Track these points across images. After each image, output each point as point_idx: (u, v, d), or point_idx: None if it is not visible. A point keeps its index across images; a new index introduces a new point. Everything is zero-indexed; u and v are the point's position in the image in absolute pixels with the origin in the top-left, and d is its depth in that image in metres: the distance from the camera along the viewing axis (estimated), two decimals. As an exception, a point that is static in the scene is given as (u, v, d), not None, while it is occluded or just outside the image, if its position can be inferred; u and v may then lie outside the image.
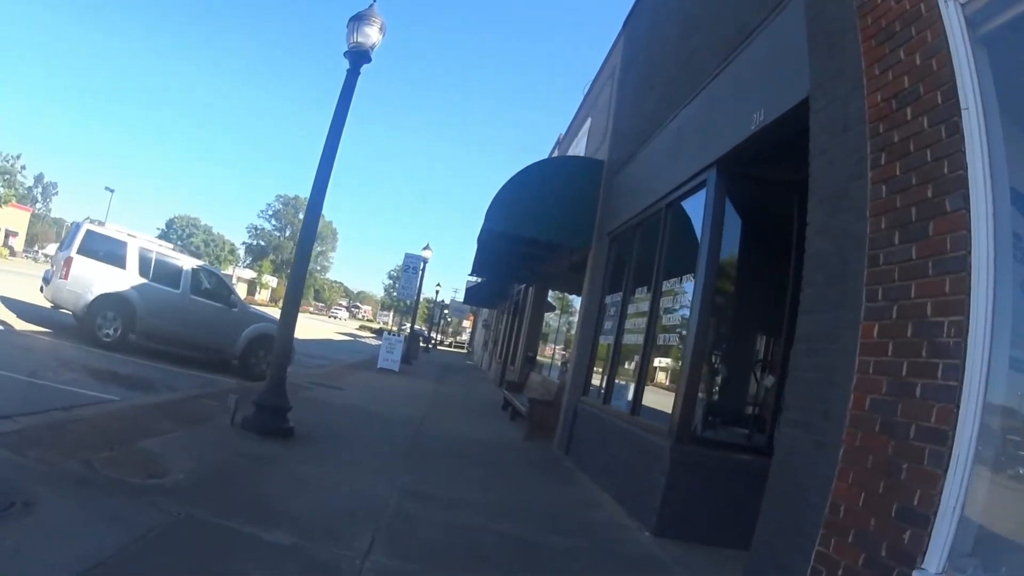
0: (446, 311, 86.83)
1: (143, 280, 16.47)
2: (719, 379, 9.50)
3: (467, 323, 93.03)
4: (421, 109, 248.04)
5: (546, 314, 24.11)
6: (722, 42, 9.29)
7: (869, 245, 5.00)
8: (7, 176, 67.33)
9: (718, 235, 8.52)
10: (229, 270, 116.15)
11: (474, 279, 39.80)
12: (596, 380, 13.14)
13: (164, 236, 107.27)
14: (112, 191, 76.31)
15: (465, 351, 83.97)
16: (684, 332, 8.89)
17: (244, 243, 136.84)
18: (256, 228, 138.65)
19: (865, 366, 4.80)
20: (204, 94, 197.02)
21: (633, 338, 11.06)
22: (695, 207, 9.31)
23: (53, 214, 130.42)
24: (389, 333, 29.20)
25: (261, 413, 9.64)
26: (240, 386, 13.88)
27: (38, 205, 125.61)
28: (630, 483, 9.22)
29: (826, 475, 4.95)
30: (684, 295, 9.30)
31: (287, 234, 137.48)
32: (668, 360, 10.20)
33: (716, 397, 9.45)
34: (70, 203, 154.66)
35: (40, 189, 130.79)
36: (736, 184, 8.67)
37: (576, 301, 19.49)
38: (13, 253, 72.61)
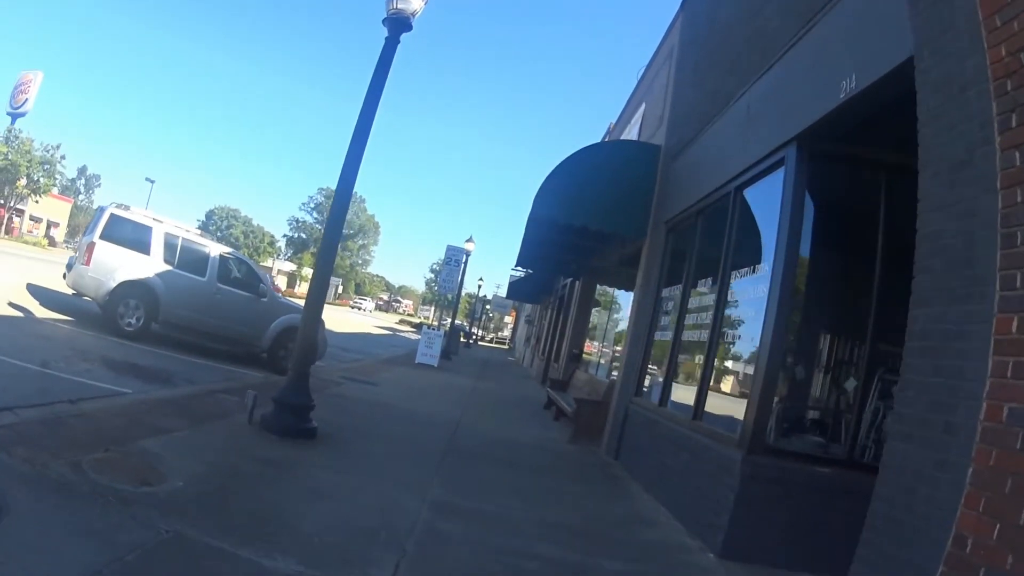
0: (488, 306, 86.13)
1: (168, 267, 15.85)
2: (795, 381, 8.60)
3: (509, 319, 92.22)
4: (465, 99, 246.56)
5: (593, 310, 23.19)
6: (800, 6, 8.40)
7: (1002, 222, 4.21)
8: (47, 166, 67.49)
9: (798, 220, 7.63)
10: (268, 262, 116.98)
11: (519, 272, 39.09)
12: (650, 380, 12.35)
13: (204, 227, 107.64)
14: (152, 182, 76.66)
15: (507, 347, 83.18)
16: (756, 329, 7.96)
17: (285, 235, 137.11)
18: (297, 221, 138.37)
19: (1001, 368, 4.00)
20: (248, 86, 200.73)
21: (695, 335, 10.20)
22: (769, 190, 8.40)
23: (95, 205, 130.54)
24: (428, 328, 28.33)
25: (281, 411, 8.95)
26: (265, 380, 13.27)
27: (80, 197, 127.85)
28: (690, 496, 8.40)
29: (949, 501, 4.17)
30: (756, 288, 8.37)
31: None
32: (735, 360, 9.26)
33: (792, 402, 8.56)
34: (113, 194, 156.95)
35: (83, 181, 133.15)
36: (818, 163, 7.78)
37: (623, 297, 18.69)
38: (53, 243, 72.98)
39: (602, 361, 19.64)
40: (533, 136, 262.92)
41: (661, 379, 11.14)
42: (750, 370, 8.09)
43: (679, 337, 10.85)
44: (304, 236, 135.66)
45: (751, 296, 8.61)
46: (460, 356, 38.64)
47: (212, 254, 16.62)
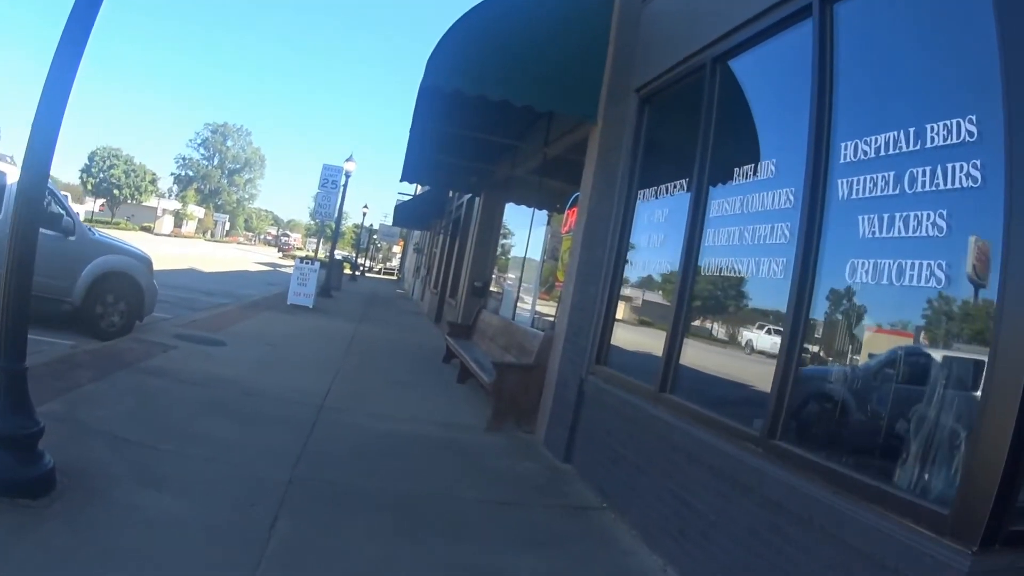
0: (375, 236, 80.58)
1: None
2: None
3: (398, 248, 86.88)
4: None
5: (501, 234, 18.00)
6: None
7: None
8: None
9: None
10: (152, 201, 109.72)
11: (406, 196, 33.86)
12: (627, 341, 7.65)
13: (87, 170, 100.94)
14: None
15: (396, 278, 78.15)
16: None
17: (172, 174, 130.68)
18: (184, 158, 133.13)
19: None
20: (123, 25, 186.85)
21: (747, 264, 5.49)
22: None
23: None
24: (302, 261, 22.94)
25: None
26: (73, 352, 8.03)
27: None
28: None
29: None
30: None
31: (215, 162, 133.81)
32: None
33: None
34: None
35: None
36: None
37: (539, 219, 13.72)
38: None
39: (522, 304, 14.30)
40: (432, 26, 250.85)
41: (661, 344, 6.34)
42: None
43: (692, 271, 6.12)
44: (191, 173, 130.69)
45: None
46: (344, 291, 33.35)
47: (7, 182, 10.73)
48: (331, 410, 8.60)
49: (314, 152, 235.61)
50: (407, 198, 33.98)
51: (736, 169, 5.81)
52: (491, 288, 16.98)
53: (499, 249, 17.47)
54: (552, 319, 11.22)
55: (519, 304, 13.31)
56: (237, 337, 13.17)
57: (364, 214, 62.23)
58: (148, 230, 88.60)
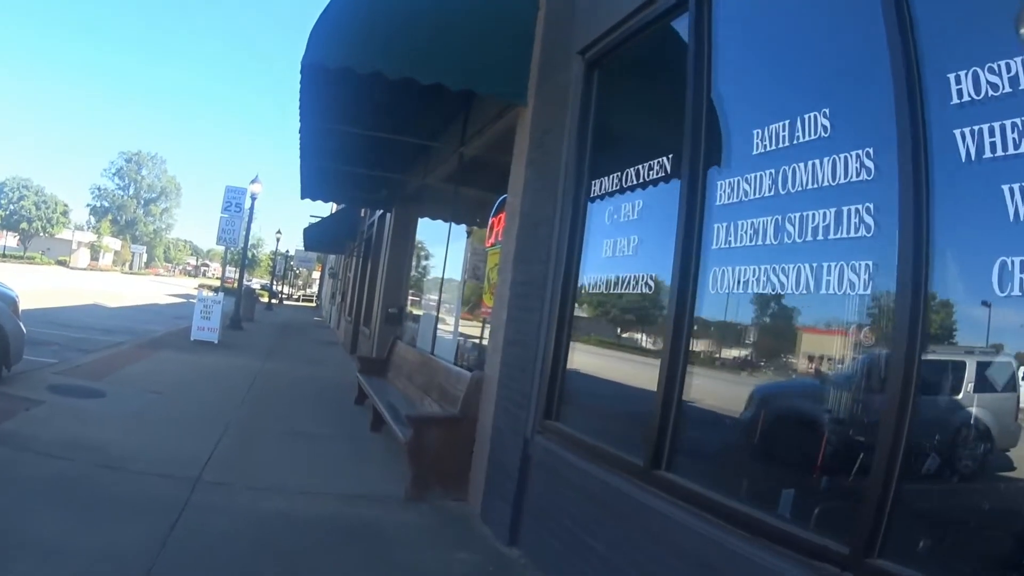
0: (292, 262, 77.50)
1: None
2: None
3: (317, 274, 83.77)
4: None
5: (417, 251, 15.42)
6: None
7: None
8: None
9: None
10: (65, 234, 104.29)
11: (317, 218, 31.41)
12: (590, 390, 5.70)
13: None
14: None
15: (314, 304, 75.06)
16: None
17: (88, 205, 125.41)
18: (100, 188, 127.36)
19: None
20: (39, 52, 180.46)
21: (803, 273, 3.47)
22: None
23: None
24: (205, 294, 20.43)
25: None
26: None
27: None
28: None
29: None
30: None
31: (131, 192, 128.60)
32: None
33: None
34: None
35: None
36: None
37: (458, 233, 11.49)
38: None
39: (443, 332, 11.83)
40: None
41: (648, 397, 4.32)
42: None
43: (692, 287, 4.18)
44: (107, 204, 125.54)
45: None
46: (257, 322, 30.30)
47: None
48: (208, 486, 6.37)
49: (232, 181, 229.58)
50: (317, 219, 31.48)
51: (757, 131, 3.81)
52: (411, 312, 14.66)
53: (414, 270, 15.13)
54: (475, 343, 9.11)
55: (439, 332, 11.05)
56: (121, 385, 10.82)
57: (278, 239, 59.11)
58: (64, 264, 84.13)
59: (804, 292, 3.39)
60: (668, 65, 4.97)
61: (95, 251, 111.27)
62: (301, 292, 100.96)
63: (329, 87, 8.09)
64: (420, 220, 14.61)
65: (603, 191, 5.44)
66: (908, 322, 2.82)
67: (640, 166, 4.94)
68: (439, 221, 12.93)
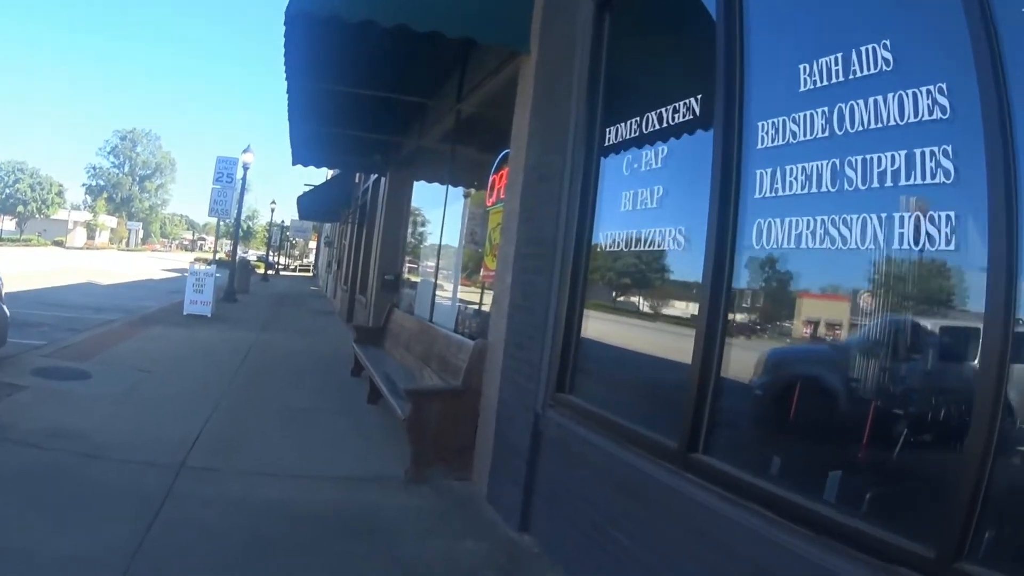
0: (287, 232, 76.73)
1: None
2: None
3: (313, 244, 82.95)
4: None
5: (416, 221, 14.48)
6: None
7: None
8: None
9: None
10: (61, 214, 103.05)
11: (310, 186, 30.74)
12: (611, 357, 5.16)
13: None
14: None
15: (311, 274, 74.35)
16: None
17: (84, 184, 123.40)
18: (95, 168, 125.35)
19: None
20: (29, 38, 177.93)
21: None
22: None
23: None
24: (197, 266, 19.86)
25: None
26: None
27: None
28: None
29: None
30: None
31: (126, 169, 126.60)
32: None
33: None
34: None
35: None
36: None
37: (454, 196, 10.82)
38: None
39: (442, 298, 10.82)
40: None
41: (679, 368, 3.80)
42: None
43: (730, 242, 3.62)
44: (102, 183, 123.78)
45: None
46: (252, 294, 29.84)
47: None
48: (194, 472, 5.87)
49: (227, 153, 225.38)
50: (312, 188, 30.81)
51: (804, 65, 3.25)
52: (408, 279, 14.04)
53: (411, 236, 14.52)
54: (476, 309, 8.54)
55: (438, 299, 10.45)
56: (109, 365, 10.27)
57: (272, 210, 58.30)
58: (61, 244, 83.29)
59: (872, 247, 2.85)
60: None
61: (91, 230, 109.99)
62: (298, 262, 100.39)
63: (316, 40, 7.48)
64: (416, 184, 13.96)
65: (620, 139, 4.87)
66: (1004, 280, 2.30)
67: (663, 110, 4.37)
68: (435, 184, 12.31)
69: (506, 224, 6.35)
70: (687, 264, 4.08)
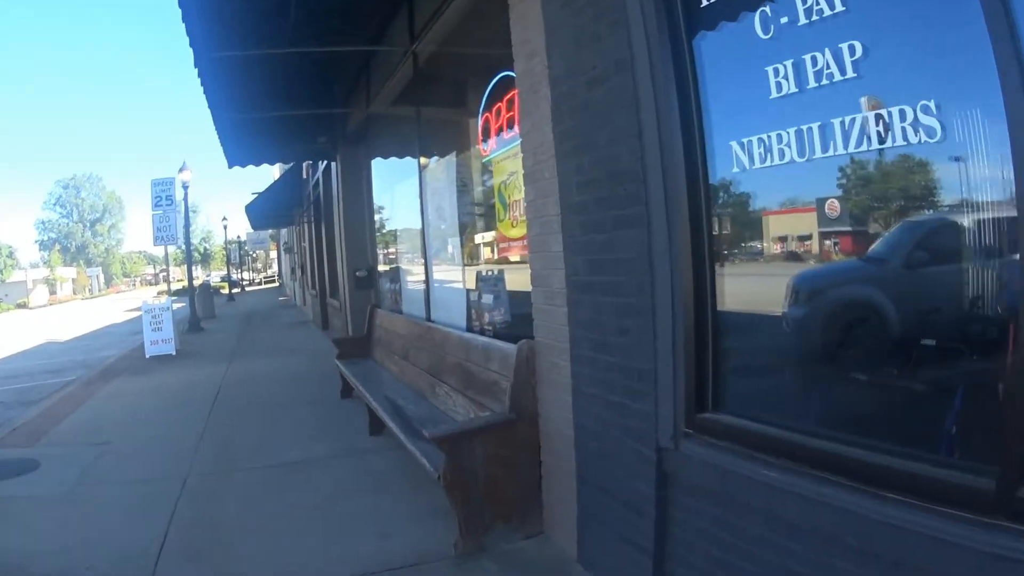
0: (245, 247, 73.91)
1: None
2: None
3: (275, 253, 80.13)
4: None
5: (386, 204, 11.60)
6: None
7: None
8: None
9: None
10: (18, 275, 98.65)
11: (256, 193, 28.40)
12: (781, 354, 3.03)
13: None
14: None
15: (277, 284, 71.73)
16: None
17: (36, 240, 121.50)
18: (43, 222, 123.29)
19: None
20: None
21: None
22: None
23: None
24: (152, 304, 17.78)
25: None
26: None
27: None
28: None
29: None
30: None
31: (74, 217, 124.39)
32: None
33: None
34: None
35: None
36: None
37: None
38: None
39: (440, 283, 8.16)
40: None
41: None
42: None
43: None
44: (54, 235, 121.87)
45: None
46: (219, 318, 27.79)
47: None
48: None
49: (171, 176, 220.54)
50: (257, 196, 28.54)
51: None
52: (386, 270, 11.68)
53: (383, 223, 12.08)
54: (496, 296, 6.35)
55: (433, 291, 8.19)
56: (61, 445, 8.33)
57: (225, 227, 55.44)
58: (24, 306, 80.00)
59: None
60: None
61: (51, 285, 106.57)
62: (262, 275, 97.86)
63: None
64: (374, 162, 11.71)
65: None
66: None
67: None
68: (401, 156, 10.14)
69: (531, 168, 4.30)
70: (945, 168, 2.12)
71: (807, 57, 2.57)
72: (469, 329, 6.49)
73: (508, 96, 5.19)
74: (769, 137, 2.77)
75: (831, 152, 2.52)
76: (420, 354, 7.03)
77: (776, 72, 2.71)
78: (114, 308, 55.76)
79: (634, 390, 3.37)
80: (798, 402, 2.94)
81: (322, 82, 9.90)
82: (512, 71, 4.55)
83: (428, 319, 7.82)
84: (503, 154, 5.54)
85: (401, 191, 9.65)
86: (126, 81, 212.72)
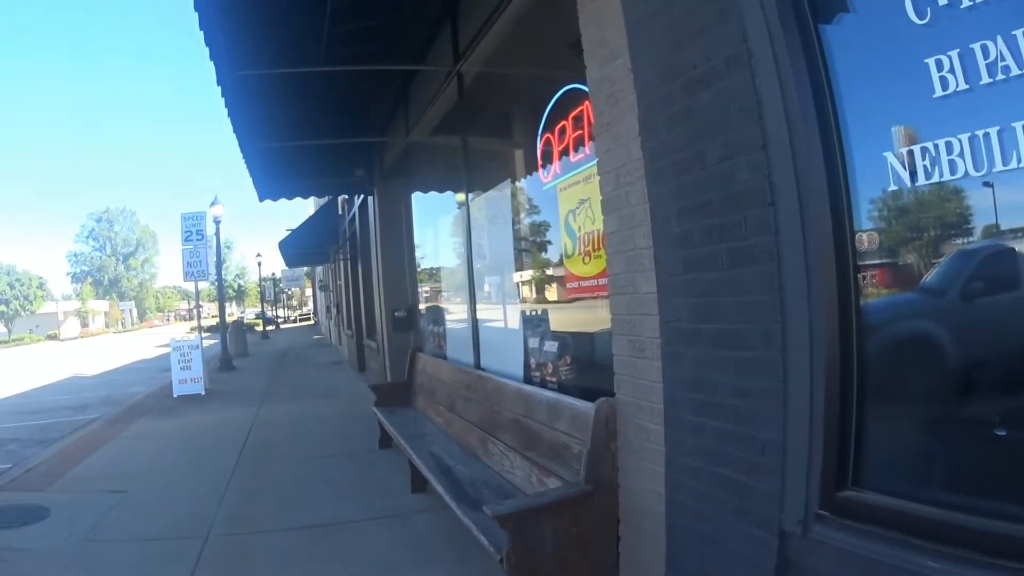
0: (280, 284, 74.00)
1: None
2: None
3: (309, 290, 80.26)
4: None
5: (428, 240, 10.82)
6: None
7: None
8: None
9: None
10: (48, 307, 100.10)
11: (291, 230, 28.15)
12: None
13: None
14: None
15: (312, 322, 71.74)
16: None
17: (69, 273, 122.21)
18: (76, 255, 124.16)
19: None
20: None
21: None
22: None
23: None
24: (180, 341, 17.45)
25: None
26: None
27: None
28: None
29: None
30: None
31: (107, 251, 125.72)
32: None
33: None
34: None
35: None
36: None
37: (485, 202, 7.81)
38: None
39: (488, 326, 7.48)
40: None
41: None
42: None
43: None
44: (86, 268, 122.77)
45: None
46: (253, 355, 27.59)
47: None
48: None
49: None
50: (291, 232, 28.28)
51: None
52: (428, 310, 10.91)
53: (426, 260, 11.10)
54: (562, 343, 5.59)
55: (483, 334, 7.46)
56: (75, 490, 7.90)
57: (260, 263, 55.37)
58: (55, 337, 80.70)
59: None
60: None
61: (83, 317, 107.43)
62: (297, 312, 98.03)
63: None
64: (414, 196, 11.11)
65: None
66: None
67: None
68: (443, 189, 9.57)
69: (612, 194, 3.67)
70: None
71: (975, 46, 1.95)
72: (528, 380, 5.81)
73: (575, 112, 4.59)
74: (936, 146, 2.14)
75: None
76: (469, 405, 6.40)
77: (939, 65, 2.08)
78: (146, 343, 56.19)
79: (754, 464, 2.72)
80: (966, 475, 2.28)
81: (356, 109, 9.42)
82: (580, 83, 3.99)
83: (477, 366, 7.17)
84: (569, 179, 4.90)
85: (444, 225, 9.05)
86: (162, 118, 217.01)
